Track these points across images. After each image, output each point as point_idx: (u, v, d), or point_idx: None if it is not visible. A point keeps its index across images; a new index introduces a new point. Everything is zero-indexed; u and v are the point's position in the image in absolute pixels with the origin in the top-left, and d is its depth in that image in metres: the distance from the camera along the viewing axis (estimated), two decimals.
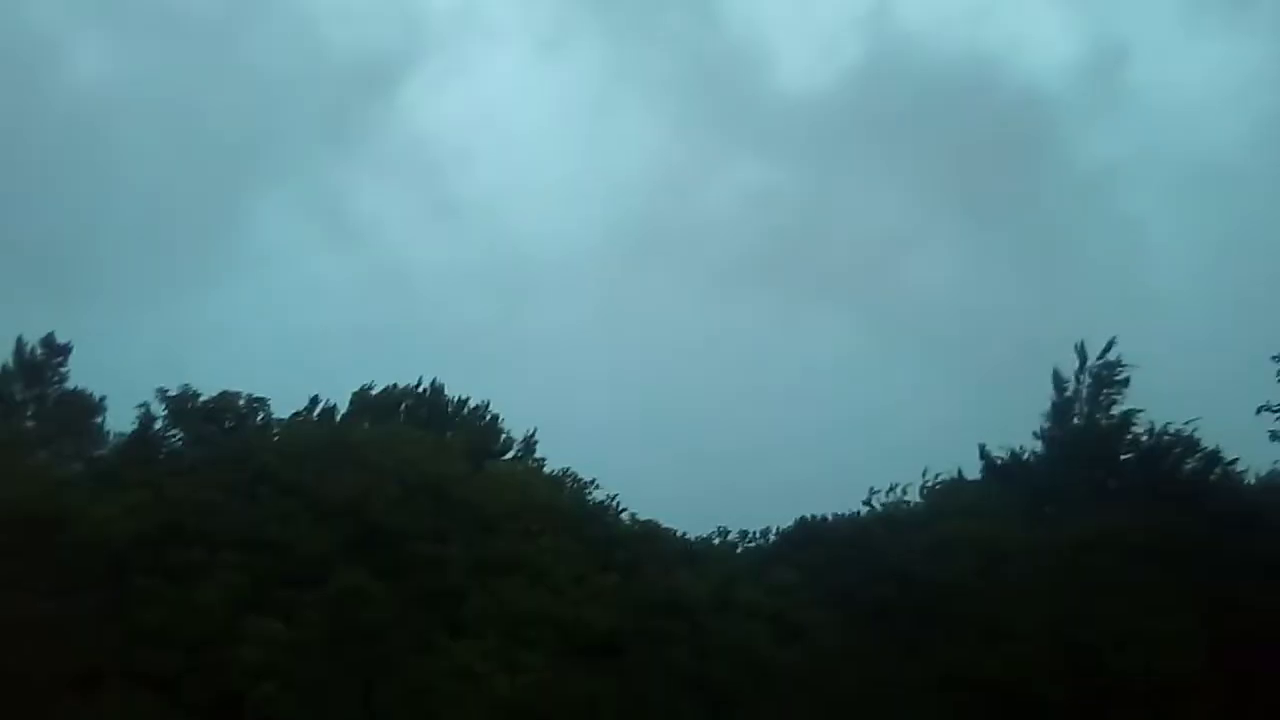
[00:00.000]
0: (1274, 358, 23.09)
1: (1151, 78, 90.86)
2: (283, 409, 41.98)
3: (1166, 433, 37.88)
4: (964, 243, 79.74)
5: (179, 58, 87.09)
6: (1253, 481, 37.79)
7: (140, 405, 40.52)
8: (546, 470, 42.87)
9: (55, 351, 46.05)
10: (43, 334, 45.89)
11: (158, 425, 40.79)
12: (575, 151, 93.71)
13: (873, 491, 41.06)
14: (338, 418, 42.53)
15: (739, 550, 43.71)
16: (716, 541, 43.74)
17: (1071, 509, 36.53)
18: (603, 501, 41.20)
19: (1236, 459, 37.44)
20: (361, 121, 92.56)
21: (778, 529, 43.22)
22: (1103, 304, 65.55)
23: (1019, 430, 40.24)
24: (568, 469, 42.41)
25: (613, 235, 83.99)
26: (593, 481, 41.92)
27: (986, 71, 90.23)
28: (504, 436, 44.12)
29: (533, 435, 43.87)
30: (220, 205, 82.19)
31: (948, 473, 40.86)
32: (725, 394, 65.88)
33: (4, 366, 45.50)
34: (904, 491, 40.81)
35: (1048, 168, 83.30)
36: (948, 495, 40.35)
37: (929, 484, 40.67)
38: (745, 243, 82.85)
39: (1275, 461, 37.44)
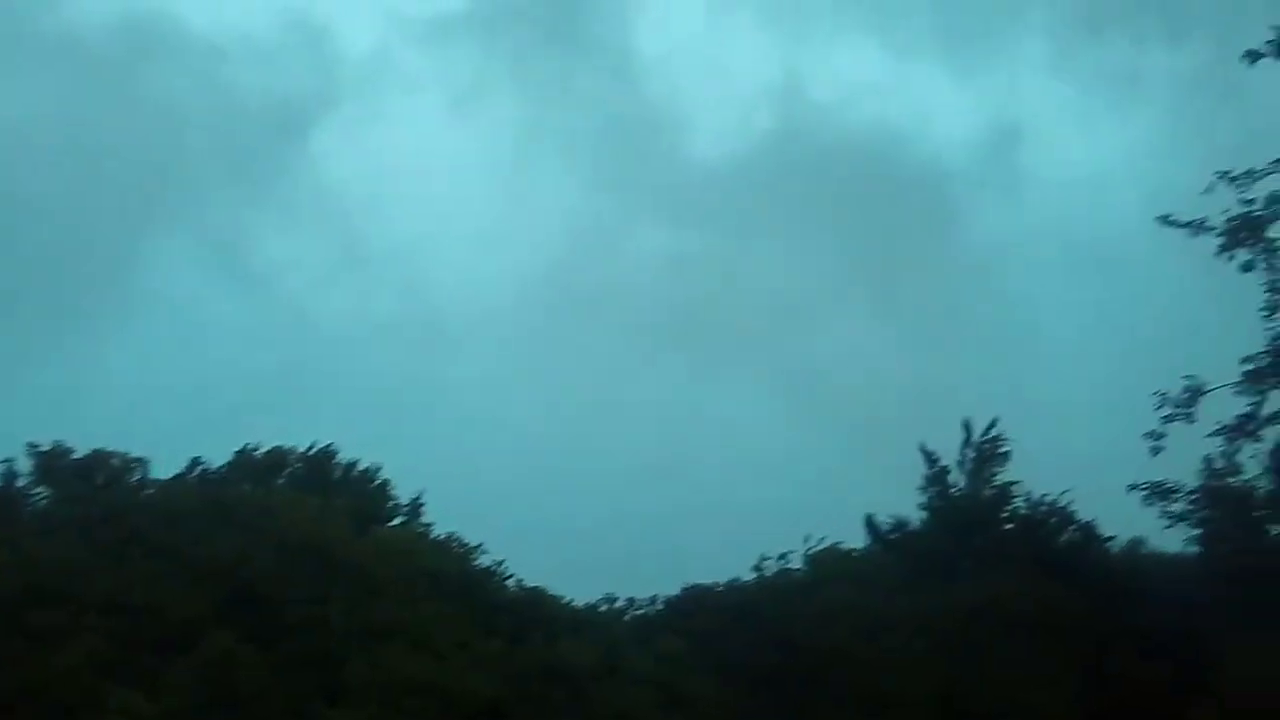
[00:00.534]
0: (1145, 435, 23.80)
1: (1044, 157, 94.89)
2: (171, 459, 40.98)
3: (1043, 504, 38.87)
4: (868, 312, 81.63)
5: (77, 92, 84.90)
6: (1117, 551, 38.96)
7: (4, 461, 38.98)
8: (433, 535, 42.12)
9: None
10: None
11: (21, 482, 39.23)
12: (490, 207, 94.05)
13: (762, 559, 41.24)
14: (219, 478, 41.25)
15: (626, 618, 43.44)
16: (604, 608, 43.42)
17: (953, 578, 37.11)
18: (489, 567, 40.61)
19: (1112, 536, 38.63)
20: (270, 165, 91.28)
21: (665, 597, 43.16)
22: (995, 375, 67.27)
23: (909, 498, 40.87)
24: (454, 534, 41.77)
25: (526, 292, 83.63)
26: (479, 546, 41.33)
27: (893, 145, 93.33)
28: (391, 501, 43.27)
29: (420, 499, 43.14)
30: (116, 246, 79.92)
31: (831, 540, 41.28)
32: (632, 456, 65.70)
33: None
34: (786, 559, 41.05)
35: (946, 241, 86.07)
36: (832, 563, 40.71)
37: (813, 551, 41.01)
38: (656, 305, 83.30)
39: (1137, 535, 38.65)
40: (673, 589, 42.72)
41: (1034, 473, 40.13)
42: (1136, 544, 38.57)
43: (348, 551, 36.26)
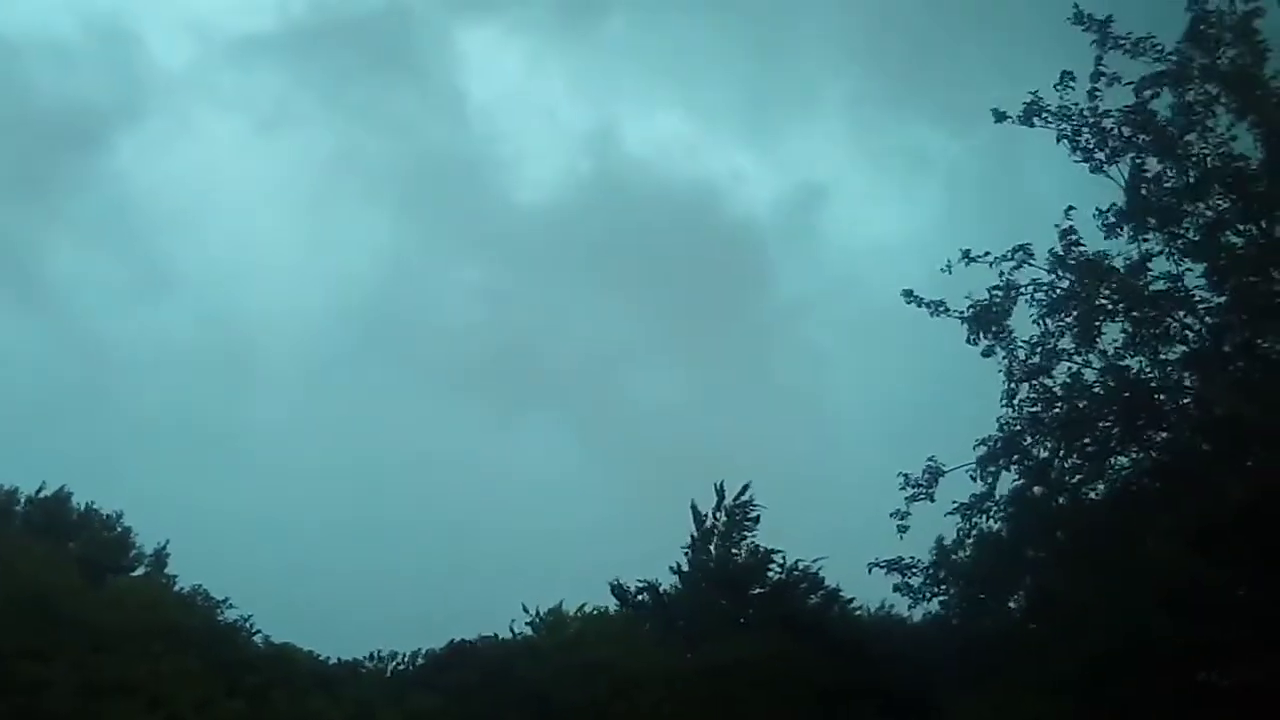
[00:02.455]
0: (891, 514, 24.83)
1: (842, 222, 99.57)
2: None
3: (795, 569, 40.33)
4: (675, 362, 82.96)
5: None
6: (865, 617, 40.78)
7: None
8: (177, 588, 40.07)
9: None
10: None
11: None
12: (298, 236, 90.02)
13: (533, 614, 41.10)
14: None
15: (387, 674, 42.40)
16: (366, 665, 42.30)
17: (706, 638, 37.98)
18: (235, 622, 38.90)
19: (854, 599, 40.32)
20: (65, 175, 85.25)
21: (426, 651, 42.38)
22: (786, 435, 69.25)
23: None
24: (199, 586, 39.82)
25: (332, 327, 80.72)
26: (225, 600, 39.54)
27: (704, 201, 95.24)
28: (134, 550, 41.02)
29: (165, 549, 41.07)
30: None
31: (593, 601, 41.57)
32: (427, 507, 63.97)
33: None
34: (545, 617, 41.03)
35: (753, 297, 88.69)
36: (592, 622, 40.97)
37: (576, 611, 41.21)
38: (467, 347, 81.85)
39: (885, 602, 40.44)
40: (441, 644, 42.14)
41: (801, 535, 41.54)
42: (883, 611, 40.34)
43: (78, 604, 34.03)
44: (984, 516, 24.32)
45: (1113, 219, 22.71)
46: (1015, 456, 23.10)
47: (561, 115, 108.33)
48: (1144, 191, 22.78)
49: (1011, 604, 27.03)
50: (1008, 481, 23.50)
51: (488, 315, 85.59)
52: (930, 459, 24.18)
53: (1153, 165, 22.81)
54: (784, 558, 40.72)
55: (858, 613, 40.96)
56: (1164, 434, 22.88)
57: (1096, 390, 22.39)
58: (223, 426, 68.75)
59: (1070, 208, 23.00)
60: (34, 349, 71.34)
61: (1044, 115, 22.90)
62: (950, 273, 23.55)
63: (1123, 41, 22.40)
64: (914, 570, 25.25)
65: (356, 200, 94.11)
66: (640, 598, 41.08)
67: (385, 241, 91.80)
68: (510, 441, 73.35)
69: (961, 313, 23.50)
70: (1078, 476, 23.17)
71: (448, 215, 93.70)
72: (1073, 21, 22.69)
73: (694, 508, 40.99)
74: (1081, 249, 22.58)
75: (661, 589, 40.98)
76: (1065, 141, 22.98)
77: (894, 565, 25.10)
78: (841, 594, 40.09)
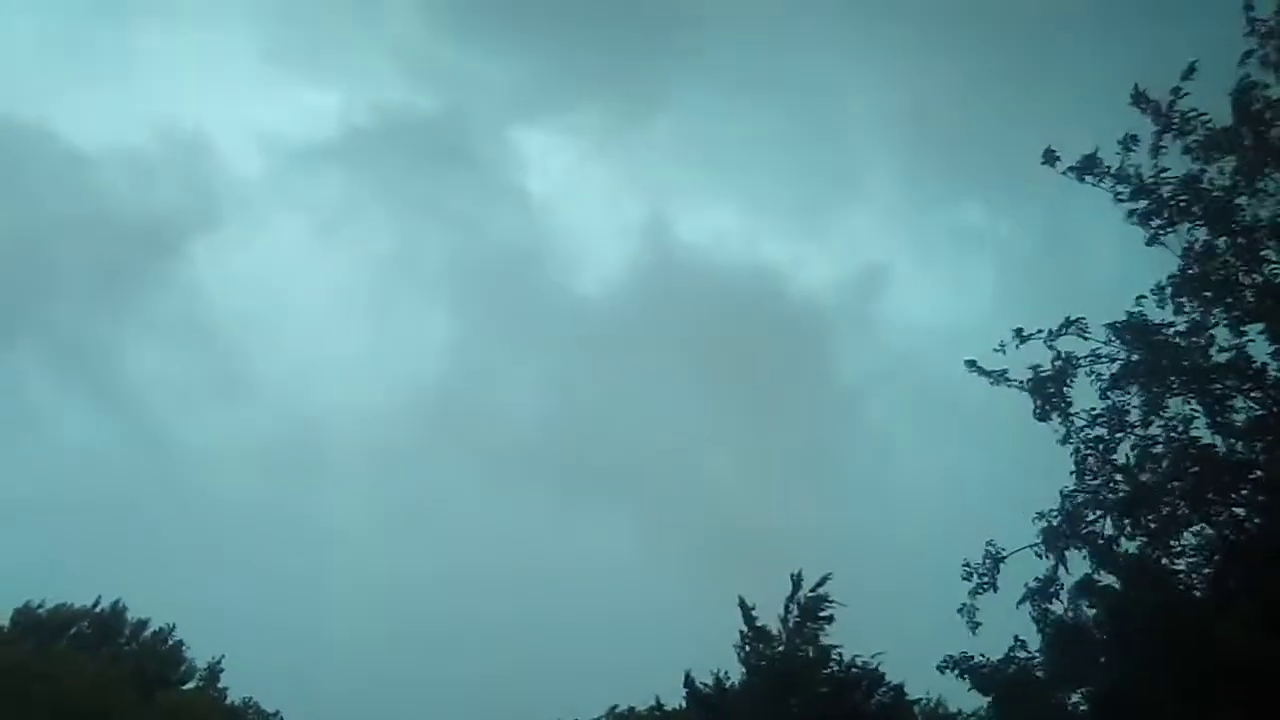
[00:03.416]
0: (959, 610, 23.75)
1: (899, 298, 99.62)
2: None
3: (854, 665, 38.98)
4: (736, 448, 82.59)
5: None
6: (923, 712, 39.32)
7: None
8: (228, 700, 39.63)
9: None
10: None
11: None
12: (363, 332, 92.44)
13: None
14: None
15: None
16: None
17: None
18: None
19: (919, 699, 38.84)
20: (141, 280, 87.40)
21: None
22: (851, 519, 68.25)
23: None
24: (250, 699, 39.39)
25: (400, 417, 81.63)
26: (276, 714, 39.04)
27: (760, 286, 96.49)
28: (184, 664, 40.69)
29: (218, 662, 40.71)
30: None
31: (648, 699, 40.39)
32: (491, 610, 63.15)
33: None
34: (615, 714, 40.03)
35: (813, 377, 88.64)
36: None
37: (628, 711, 40.12)
38: (530, 435, 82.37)
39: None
40: None
41: (868, 623, 40.33)
42: (938, 705, 38.94)
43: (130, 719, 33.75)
44: (1053, 602, 23.33)
45: (1170, 290, 22.11)
46: (1079, 530, 22.21)
47: (616, 209, 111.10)
48: (1199, 264, 22.19)
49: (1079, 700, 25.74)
50: (1074, 560, 22.56)
51: (550, 405, 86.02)
52: (989, 543, 23.21)
53: (1204, 235, 22.27)
54: (841, 654, 39.53)
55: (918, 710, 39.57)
56: (1235, 509, 21.90)
57: (1163, 463, 21.54)
58: (295, 523, 69.01)
59: (1128, 283, 22.40)
60: (114, 451, 72.48)
61: (1101, 173, 22.38)
62: (1004, 353, 23.01)
63: (1175, 123, 22.02)
64: (985, 667, 24.12)
65: (419, 294, 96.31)
66: (705, 692, 39.88)
67: (448, 334, 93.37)
68: (575, 528, 73.09)
69: (1022, 382, 22.85)
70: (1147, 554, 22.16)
71: (509, 307, 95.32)
72: (1132, 103, 22.33)
73: (742, 603, 39.94)
74: (1139, 319, 21.98)
75: (727, 684, 39.80)
76: (1123, 205, 22.42)
77: (965, 665, 23.99)
78: (905, 692, 38.64)
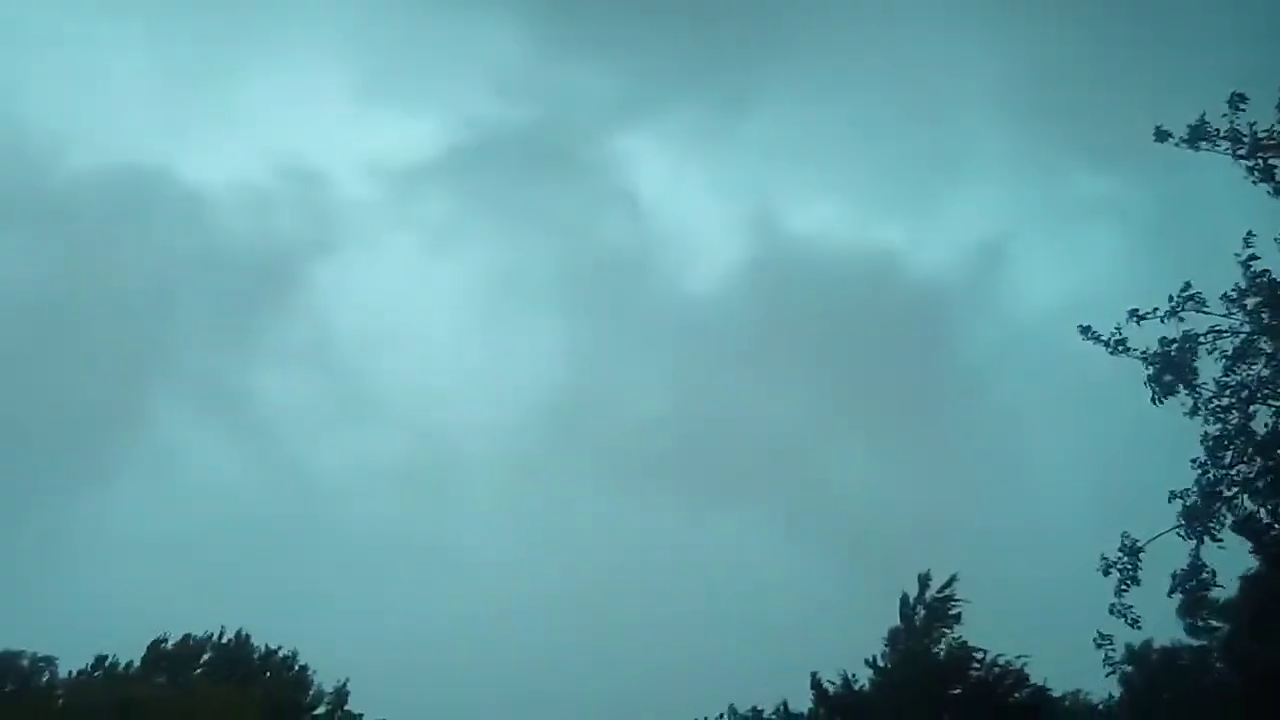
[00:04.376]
0: (1111, 610, 22.25)
1: (1018, 273, 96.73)
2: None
3: (997, 664, 37.18)
4: (864, 437, 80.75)
5: (71, 249, 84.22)
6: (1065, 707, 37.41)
7: None
8: None
9: None
10: None
11: None
12: (481, 345, 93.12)
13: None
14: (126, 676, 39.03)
15: None
16: None
17: None
18: None
19: (1063, 696, 36.96)
20: (264, 311, 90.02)
21: None
22: (986, 501, 65.98)
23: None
24: None
25: (524, 427, 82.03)
26: None
27: (876, 272, 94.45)
28: (314, 688, 41.02)
29: (344, 686, 40.91)
30: (116, 403, 77.18)
31: (776, 702, 39.37)
32: (627, 603, 62.58)
33: None
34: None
35: (936, 360, 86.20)
36: None
37: (756, 713, 39.05)
38: (653, 439, 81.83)
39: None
40: None
41: (1009, 607, 38.53)
42: (1077, 697, 37.00)
43: None
44: (1206, 590, 21.69)
45: None
46: (1218, 509, 20.47)
47: (722, 207, 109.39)
48: None
49: None
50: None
51: (672, 406, 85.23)
52: (1124, 534, 21.63)
53: None
54: (984, 654, 37.74)
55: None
56: None
57: None
58: (426, 541, 69.43)
59: (1250, 234, 20.53)
60: (248, 480, 74.19)
61: (1213, 138, 20.69)
62: (1122, 338, 21.46)
63: None
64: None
65: (532, 304, 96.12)
66: (834, 694, 38.58)
67: (564, 342, 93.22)
68: (704, 530, 71.89)
69: (1143, 352, 21.23)
70: None
71: (622, 311, 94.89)
72: None
73: (904, 599, 38.47)
74: (1266, 279, 20.08)
75: (858, 685, 38.38)
76: (1241, 163, 20.65)
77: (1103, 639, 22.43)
78: (1048, 690, 36.66)
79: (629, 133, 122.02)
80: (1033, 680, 37.09)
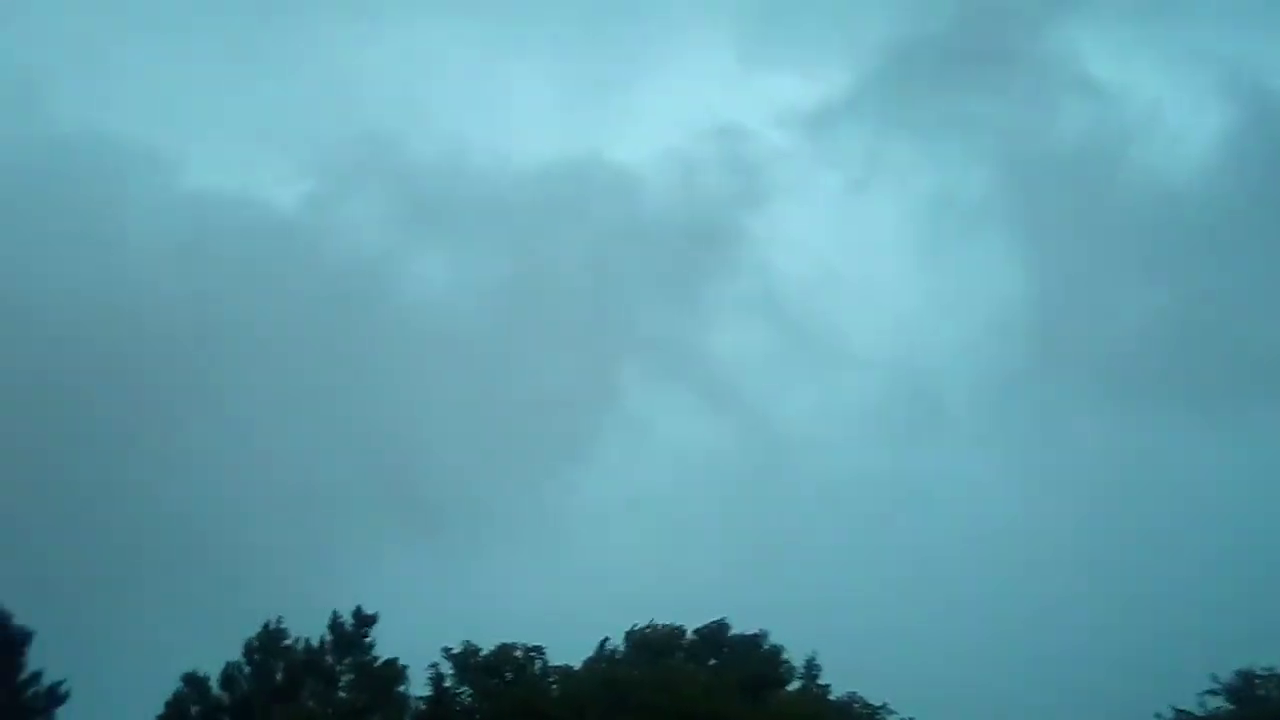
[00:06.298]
0: None
1: None
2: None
3: None
4: None
5: (514, 244, 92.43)
6: None
7: (430, 666, 41.76)
8: (832, 697, 40.56)
9: (363, 622, 48.55)
10: (353, 606, 48.53)
11: (447, 684, 41.82)
12: (922, 279, 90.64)
13: None
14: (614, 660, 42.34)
15: None
16: None
17: None
18: None
19: None
20: (710, 271, 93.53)
21: None
22: None
23: None
24: (854, 694, 39.99)
25: (995, 351, 78.63)
26: (883, 706, 39.26)
27: None
28: (784, 664, 42.33)
29: (814, 660, 41.86)
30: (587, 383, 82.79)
31: None
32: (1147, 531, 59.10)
33: (321, 639, 48.31)
34: None
35: None
36: None
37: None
38: (1142, 346, 75.58)
39: None
40: None
41: None
42: None
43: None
44: None
45: None
46: None
47: (1185, 81, 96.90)
48: None
49: None
50: None
51: (1162, 309, 77.86)
52: None
53: None
54: None
55: None
56: None
57: None
58: (904, 486, 67.78)
59: None
60: (719, 438, 75.84)
61: None
62: None
63: None
64: None
65: (974, 220, 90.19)
66: None
67: (1020, 253, 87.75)
68: (1210, 441, 64.95)
69: None
70: None
71: (1084, 212, 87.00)
72: None
73: None
74: None
75: None
76: None
77: None
78: None
79: (1066, 19, 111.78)
80: None
